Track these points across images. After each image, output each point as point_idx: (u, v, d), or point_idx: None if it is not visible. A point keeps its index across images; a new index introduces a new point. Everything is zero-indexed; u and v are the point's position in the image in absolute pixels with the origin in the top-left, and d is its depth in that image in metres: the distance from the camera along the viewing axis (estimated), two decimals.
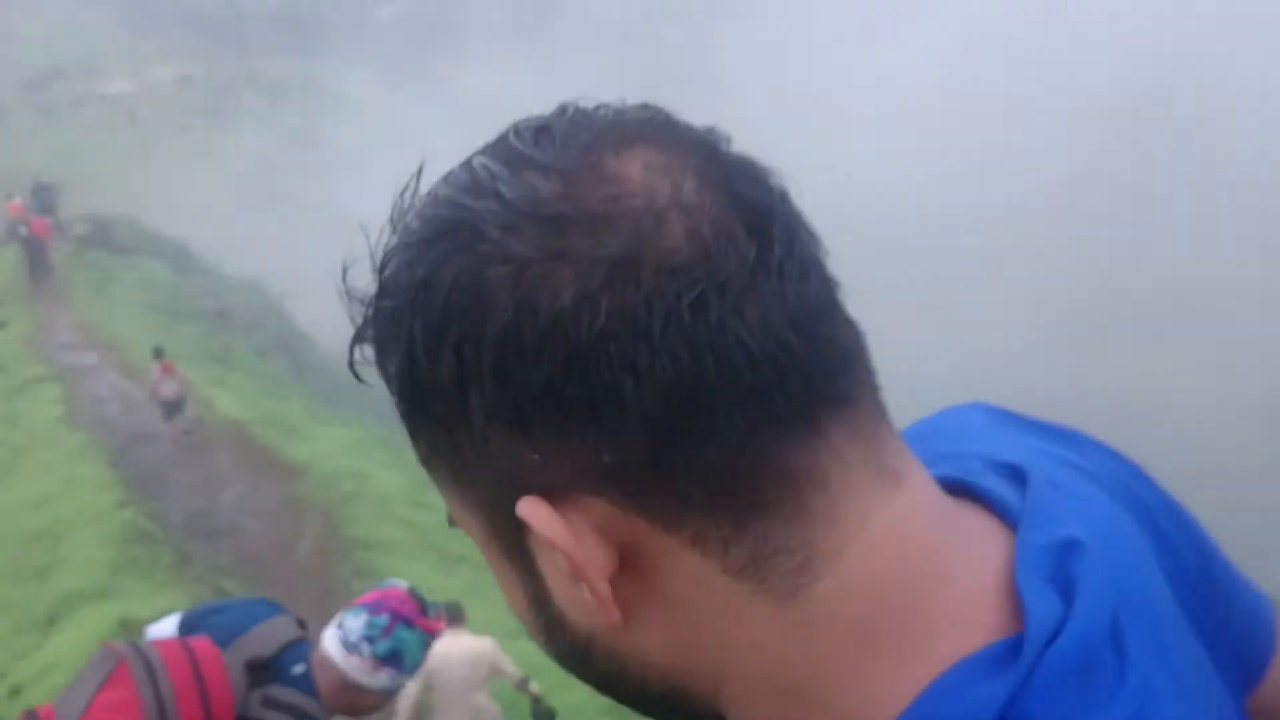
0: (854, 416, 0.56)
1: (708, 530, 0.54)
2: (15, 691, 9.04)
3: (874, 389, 0.58)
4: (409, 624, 2.53)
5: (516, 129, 0.57)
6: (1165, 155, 49.10)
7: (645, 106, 0.59)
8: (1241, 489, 27.86)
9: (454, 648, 6.88)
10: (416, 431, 0.60)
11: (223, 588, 10.42)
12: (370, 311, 0.60)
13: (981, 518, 0.62)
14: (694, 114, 0.61)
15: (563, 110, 0.58)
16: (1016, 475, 0.65)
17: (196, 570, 10.79)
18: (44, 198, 29.96)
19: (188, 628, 2.58)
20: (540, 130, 0.56)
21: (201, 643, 2.49)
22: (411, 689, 6.86)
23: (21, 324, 23.88)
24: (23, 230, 26.37)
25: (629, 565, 0.56)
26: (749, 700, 0.59)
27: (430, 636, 2.59)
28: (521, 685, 7.28)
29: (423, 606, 2.59)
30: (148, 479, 13.77)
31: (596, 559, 0.55)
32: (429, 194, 0.58)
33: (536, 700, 7.22)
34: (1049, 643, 0.53)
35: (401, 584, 2.65)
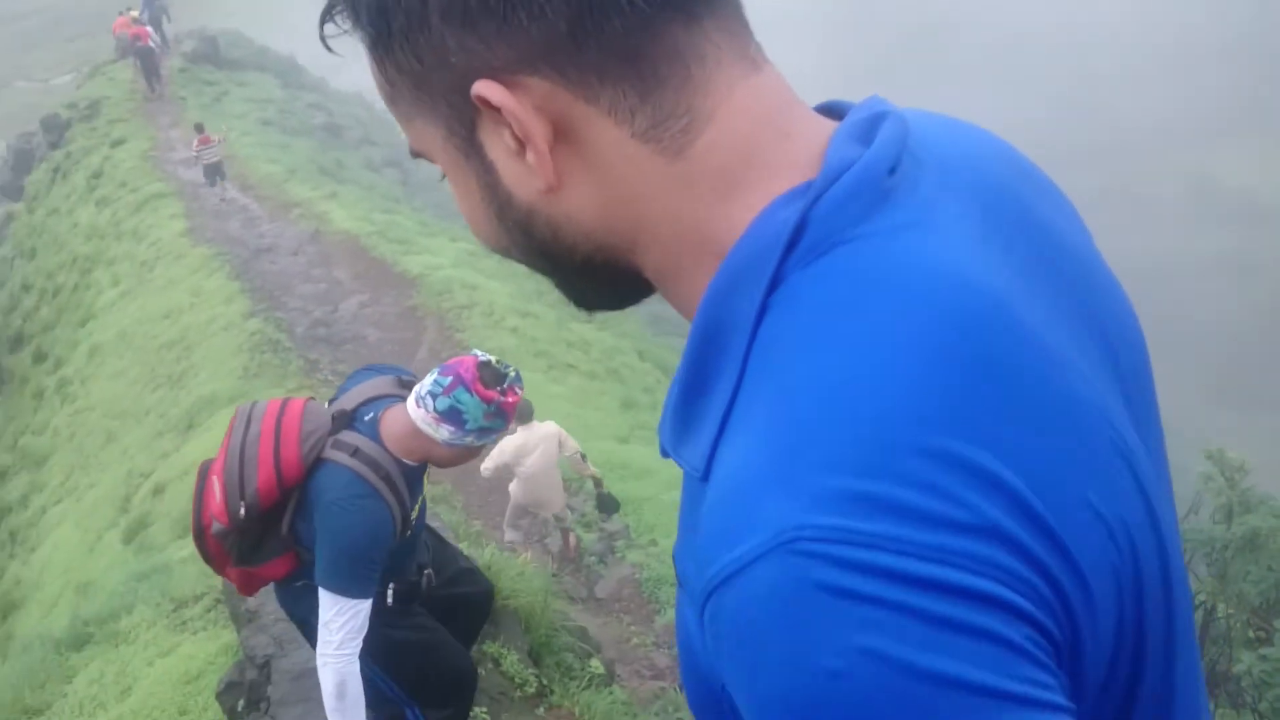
0: (724, 16, 0.72)
1: (618, 100, 0.70)
2: (158, 490, 9.60)
3: (738, 5, 0.75)
4: (468, 388, 2.79)
5: None
6: None
7: None
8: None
9: (530, 438, 7.58)
10: (385, 58, 0.74)
11: None
12: None
13: (823, 114, 0.79)
14: None
15: None
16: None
17: (323, 376, 11.19)
18: (154, 8, 30.17)
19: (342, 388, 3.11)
20: None
21: (297, 399, 3.01)
22: (490, 461, 7.58)
23: (139, 140, 24.40)
24: (138, 42, 26.79)
25: (561, 138, 0.71)
26: (654, 248, 0.75)
27: (489, 405, 2.81)
28: (580, 464, 7.98)
29: (492, 377, 2.83)
30: (271, 290, 14.18)
31: (538, 127, 0.70)
32: None
33: (598, 483, 8.04)
34: (840, 176, 0.69)
35: (480, 354, 2.90)
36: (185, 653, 5.57)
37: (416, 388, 2.89)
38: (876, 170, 0.70)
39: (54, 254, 21.43)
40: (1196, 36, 41.62)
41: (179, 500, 8.90)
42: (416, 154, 0.80)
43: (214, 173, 18.72)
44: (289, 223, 17.41)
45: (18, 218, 26.78)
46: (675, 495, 8.78)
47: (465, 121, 0.73)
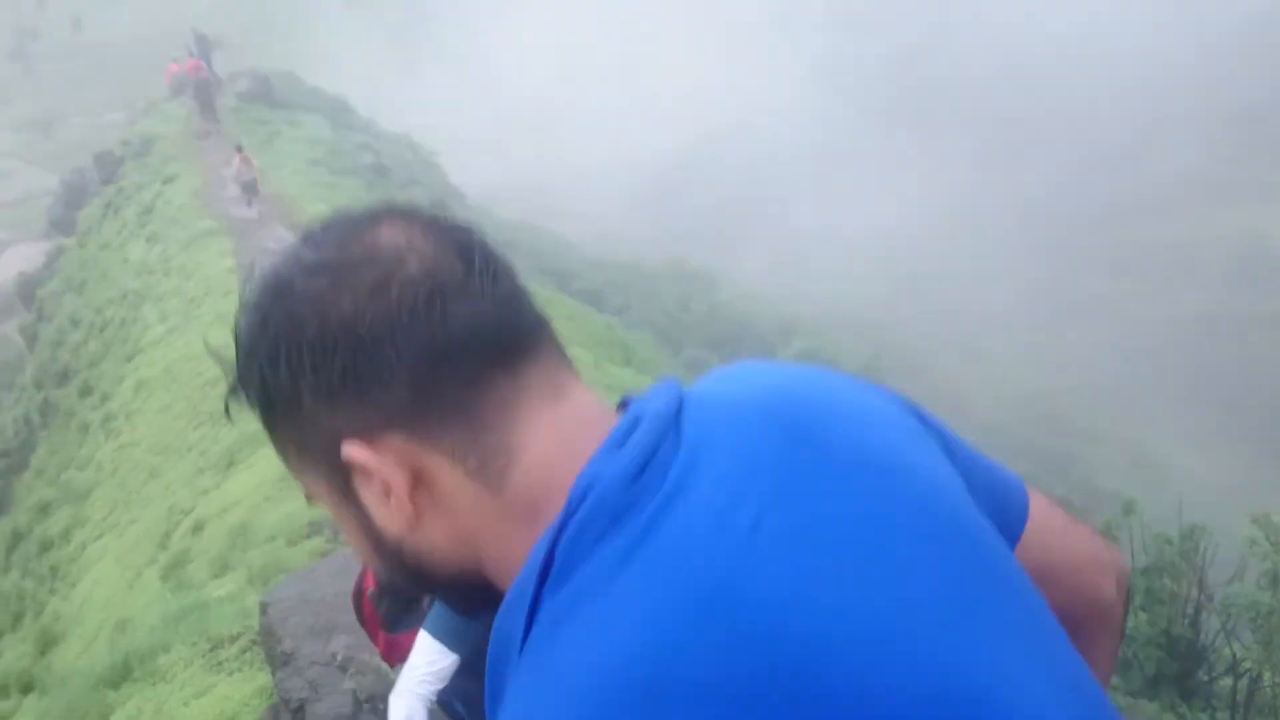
0: (541, 360, 0.88)
1: (456, 447, 0.84)
2: (198, 527, 9.66)
3: (557, 345, 0.91)
4: None
5: (308, 227, 0.91)
6: None
7: (389, 203, 0.93)
8: None
9: None
10: (273, 430, 0.90)
11: None
12: (235, 366, 0.90)
13: (617, 414, 0.90)
14: None
15: (335, 213, 0.92)
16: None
17: None
18: (202, 47, 31.10)
19: None
20: (324, 224, 0.90)
21: None
22: None
23: (190, 178, 24.82)
24: (199, 72, 27.98)
25: (417, 482, 0.85)
26: (494, 571, 0.87)
27: None
28: None
29: None
30: None
31: (397, 477, 0.84)
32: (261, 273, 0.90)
33: None
34: (581, 503, 0.80)
35: None
36: (221, 693, 5.58)
37: None
38: (613, 490, 0.81)
39: (104, 289, 21.79)
40: (1249, 92, 41.35)
41: (218, 538, 8.95)
42: (310, 498, 0.95)
43: (250, 190, 21.66)
44: None
45: (69, 252, 27.30)
46: None
47: (341, 474, 0.87)
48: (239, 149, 21.24)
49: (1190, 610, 8.38)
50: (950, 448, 0.98)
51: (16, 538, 15.07)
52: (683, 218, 76.74)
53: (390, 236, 0.87)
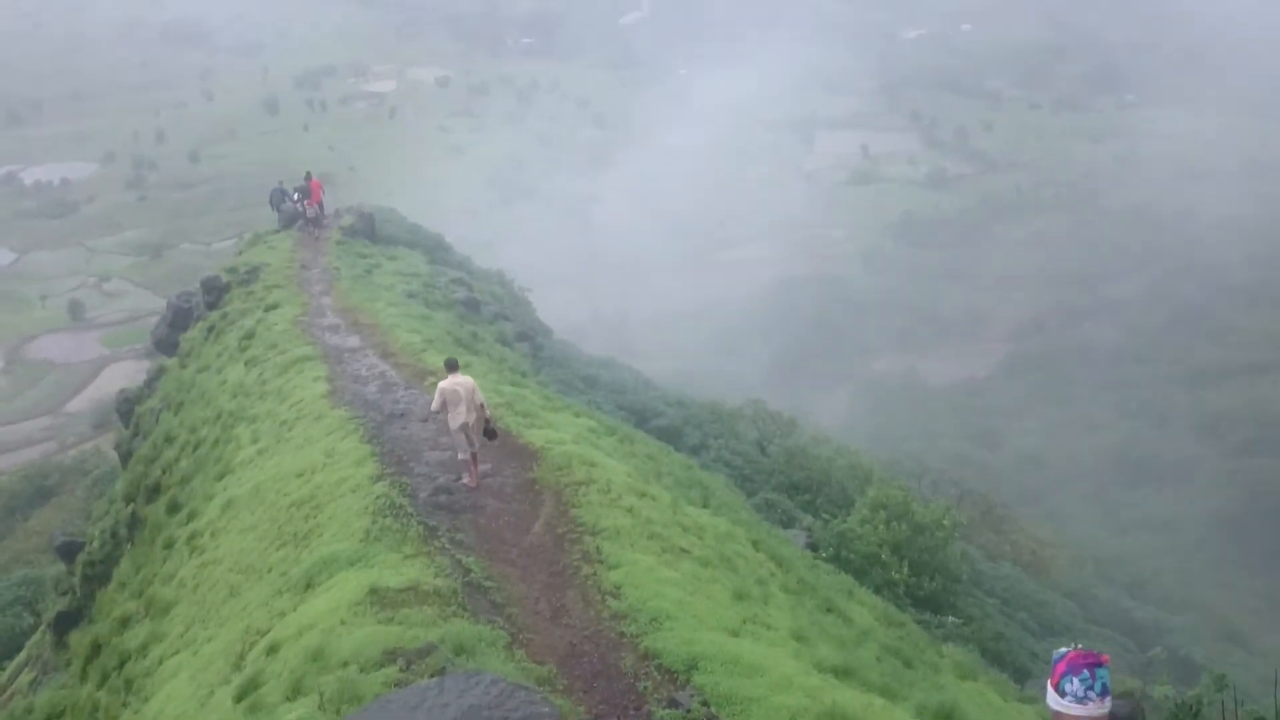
0: None
1: None
2: (273, 649, 9.73)
3: None
4: (1097, 664, 3.73)
5: None
6: None
7: None
8: None
9: (456, 383, 13.29)
10: None
11: (464, 562, 10.95)
12: None
13: None
14: None
15: None
16: None
17: (441, 544, 11.36)
18: (277, 199, 33.87)
19: None
20: None
21: None
22: (435, 401, 13.31)
23: (291, 306, 25.69)
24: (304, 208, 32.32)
25: None
26: None
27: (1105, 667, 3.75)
28: (482, 408, 13.45)
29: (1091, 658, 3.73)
30: (400, 455, 14.58)
31: None
32: None
33: (488, 422, 13.62)
34: None
35: (1064, 649, 3.80)
36: None
37: (1060, 701, 3.74)
38: None
39: (200, 408, 22.44)
40: None
41: (292, 661, 9.01)
42: None
43: (314, 223, 28.02)
44: (423, 391, 17.97)
45: (169, 371, 28.22)
46: (786, 697, 8.60)
47: None
48: (308, 175, 31.39)
49: None
50: None
51: (96, 648, 15.30)
52: (762, 361, 77.05)
53: None
